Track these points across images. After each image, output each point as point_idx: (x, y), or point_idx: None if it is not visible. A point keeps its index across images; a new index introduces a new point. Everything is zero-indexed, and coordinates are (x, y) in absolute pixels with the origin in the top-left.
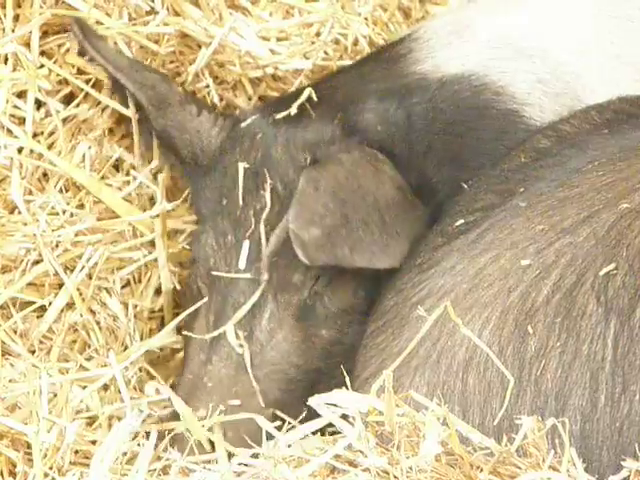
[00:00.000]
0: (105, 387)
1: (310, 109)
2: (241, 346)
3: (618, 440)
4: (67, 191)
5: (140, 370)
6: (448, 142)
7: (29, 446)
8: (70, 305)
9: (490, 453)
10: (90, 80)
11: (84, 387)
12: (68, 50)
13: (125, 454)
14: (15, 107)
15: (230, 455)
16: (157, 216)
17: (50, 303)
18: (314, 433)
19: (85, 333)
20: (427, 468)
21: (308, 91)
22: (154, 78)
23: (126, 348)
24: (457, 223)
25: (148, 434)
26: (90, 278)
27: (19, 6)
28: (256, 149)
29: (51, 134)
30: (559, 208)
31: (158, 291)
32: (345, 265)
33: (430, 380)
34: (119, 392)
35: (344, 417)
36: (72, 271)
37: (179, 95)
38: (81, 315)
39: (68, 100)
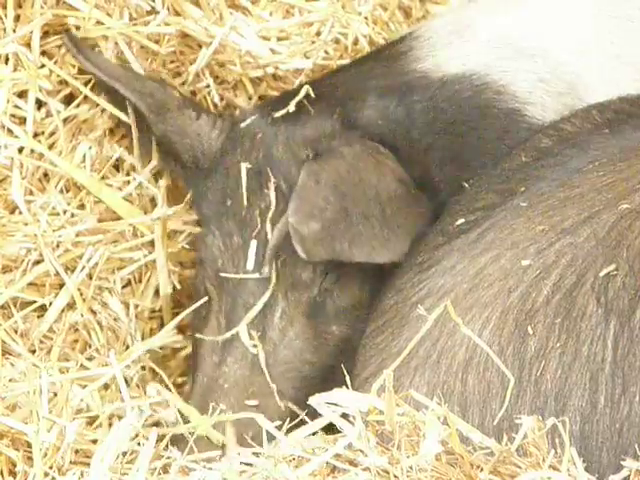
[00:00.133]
0: (106, 386)
1: (309, 106)
2: (255, 346)
3: (618, 441)
4: (68, 191)
5: (143, 369)
6: (449, 141)
7: (29, 445)
8: (71, 305)
9: (490, 452)
10: (90, 81)
11: (84, 386)
12: (69, 50)
13: (125, 453)
14: (16, 107)
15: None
16: (158, 219)
17: (51, 303)
18: (314, 433)
19: (86, 333)
20: (427, 467)
21: (306, 88)
22: (151, 85)
23: (127, 348)
24: (458, 222)
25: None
26: (91, 278)
27: (20, 6)
28: (257, 149)
29: (52, 134)
30: (560, 208)
31: (159, 291)
32: (344, 259)
33: (430, 380)
34: (120, 391)
35: (344, 416)
36: (73, 271)
37: (177, 100)
38: (82, 315)
39: (69, 100)
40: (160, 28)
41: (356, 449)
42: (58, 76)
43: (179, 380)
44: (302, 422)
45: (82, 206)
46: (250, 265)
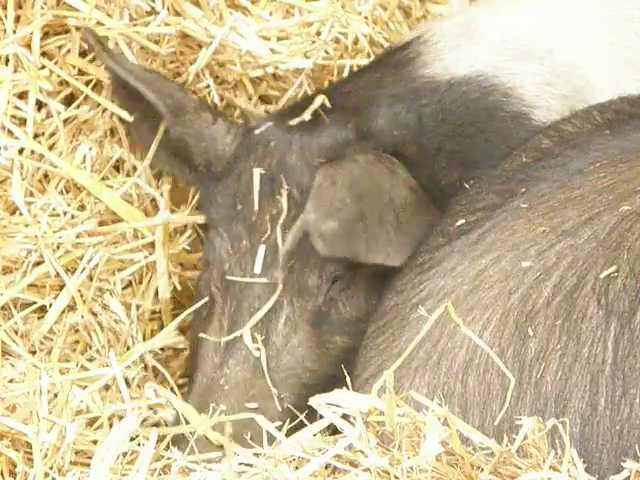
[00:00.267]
0: (107, 387)
1: (324, 115)
2: (258, 349)
3: (618, 443)
4: (68, 192)
5: (144, 369)
6: (458, 144)
7: (29, 446)
8: (71, 306)
9: (491, 453)
10: (91, 81)
11: (85, 387)
12: (69, 51)
13: (125, 454)
14: (16, 108)
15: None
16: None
17: (51, 304)
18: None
19: (86, 334)
20: (428, 468)
21: (321, 98)
22: (170, 86)
23: (128, 349)
24: (458, 223)
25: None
26: (91, 279)
27: (20, 7)
28: (271, 156)
29: (52, 135)
30: (560, 210)
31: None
32: (359, 260)
33: (430, 381)
34: (120, 392)
35: (345, 417)
36: (73, 272)
37: (194, 103)
38: (82, 316)
39: (69, 101)
40: (160, 28)
41: (356, 450)
42: (58, 77)
43: (180, 381)
44: (300, 428)
45: (82, 207)
46: (258, 269)
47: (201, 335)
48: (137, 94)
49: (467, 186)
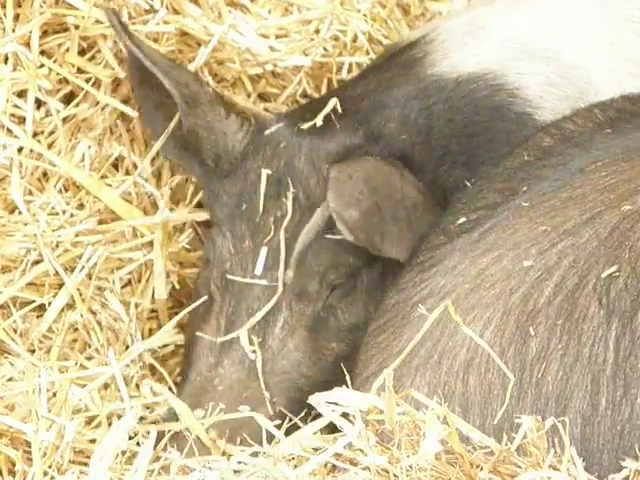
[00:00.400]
0: (105, 386)
1: (335, 120)
2: (254, 352)
3: (619, 443)
4: (67, 191)
5: (142, 368)
6: (463, 144)
7: (28, 445)
8: (70, 305)
9: (490, 452)
10: (90, 79)
11: (84, 386)
12: (68, 49)
13: (124, 453)
14: (15, 106)
15: (230, 454)
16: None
17: (50, 303)
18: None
19: (85, 333)
20: (427, 467)
21: (333, 102)
22: (187, 76)
23: (127, 348)
24: (459, 221)
25: (148, 433)
26: (90, 278)
27: (19, 5)
28: (279, 157)
29: (51, 133)
30: (562, 209)
31: None
32: (375, 251)
33: (431, 380)
34: (119, 391)
35: (344, 416)
36: (72, 271)
37: (209, 95)
38: (81, 315)
39: (68, 99)
40: (159, 27)
41: (356, 448)
42: (57, 75)
43: (179, 379)
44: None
45: (81, 206)
46: (259, 271)
47: (198, 334)
48: (152, 80)
49: (468, 184)
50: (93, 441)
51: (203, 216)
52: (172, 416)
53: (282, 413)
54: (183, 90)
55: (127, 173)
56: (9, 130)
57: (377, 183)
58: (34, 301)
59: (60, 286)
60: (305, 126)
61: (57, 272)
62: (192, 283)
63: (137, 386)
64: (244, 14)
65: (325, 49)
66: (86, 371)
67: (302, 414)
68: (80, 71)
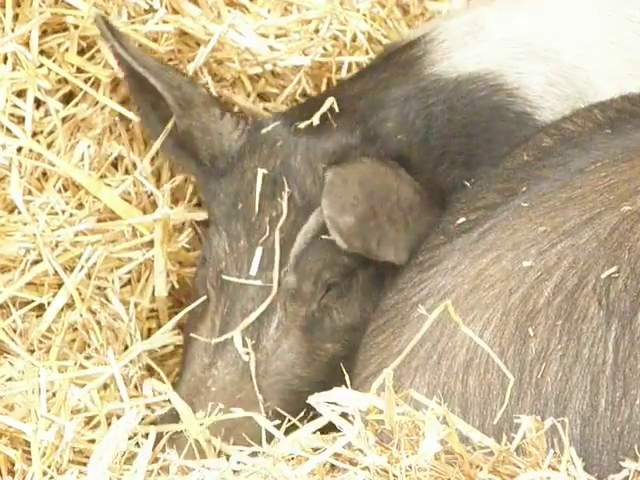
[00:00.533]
0: (105, 386)
1: (332, 119)
2: (248, 354)
3: (618, 444)
4: (66, 190)
5: (140, 368)
6: (462, 144)
7: (28, 444)
8: (70, 305)
9: (490, 452)
10: (89, 79)
11: (83, 386)
12: (67, 49)
13: (124, 453)
14: (14, 106)
15: (229, 455)
16: (158, 220)
17: (49, 303)
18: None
19: (85, 332)
20: (426, 467)
21: (330, 101)
22: (180, 78)
23: (126, 347)
24: (459, 221)
25: (147, 434)
26: (89, 278)
27: (18, 5)
28: (275, 156)
29: (50, 133)
30: (561, 209)
31: None
32: (371, 256)
33: (430, 381)
34: (119, 391)
35: (344, 416)
36: (71, 271)
37: (203, 97)
38: (81, 315)
39: (67, 99)
40: (158, 26)
41: (355, 448)
42: (57, 75)
43: (177, 379)
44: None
45: (81, 205)
46: (253, 271)
47: (192, 335)
48: (146, 83)
49: (468, 184)
50: (92, 441)
51: (202, 215)
52: (168, 416)
53: (276, 414)
54: (176, 92)
55: (126, 173)
56: (8, 130)
57: (373, 186)
58: (33, 301)
59: (59, 286)
60: (302, 125)
61: (56, 272)
62: (191, 282)
63: (136, 386)
64: (243, 14)
65: (324, 49)
66: (85, 371)
67: (298, 415)
68: (79, 71)
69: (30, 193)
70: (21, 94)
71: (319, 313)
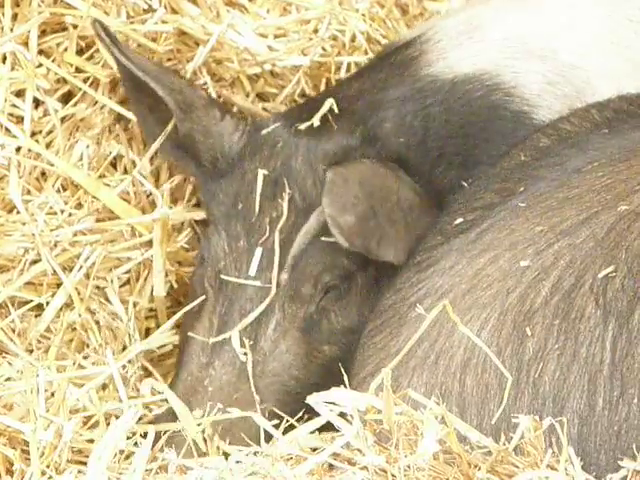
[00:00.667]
0: (103, 386)
1: (332, 120)
2: (245, 354)
3: (616, 444)
4: (65, 190)
5: (139, 369)
6: (459, 145)
7: (26, 444)
8: (68, 304)
9: (488, 452)
10: (88, 79)
11: (82, 386)
12: (66, 49)
13: (122, 452)
14: (13, 106)
15: (227, 454)
16: (158, 219)
17: (48, 302)
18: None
19: (83, 332)
20: (425, 466)
21: (330, 102)
22: (180, 82)
23: (125, 347)
24: (456, 222)
25: (145, 434)
26: (88, 278)
27: (17, 5)
28: (276, 158)
29: (49, 133)
30: (558, 209)
31: None
32: (371, 256)
33: (428, 381)
34: (117, 391)
35: (342, 415)
36: (70, 271)
37: (204, 99)
38: (79, 315)
39: (66, 99)
40: (157, 26)
41: (354, 448)
42: (55, 74)
43: None
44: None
45: (79, 205)
46: (253, 271)
47: (190, 334)
48: (145, 86)
49: (465, 184)
50: (91, 441)
51: (201, 214)
52: (164, 415)
53: (272, 415)
54: (177, 96)
55: (125, 172)
56: (7, 130)
57: (373, 186)
58: (32, 301)
59: (58, 286)
60: (302, 126)
61: (55, 272)
62: (189, 281)
63: (135, 386)
64: (242, 14)
65: (324, 49)
66: (84, 371)
67: (293, 416)
68: (78, 71)
69: (29, 193)
70: (20, 94)
71: (317, 315)
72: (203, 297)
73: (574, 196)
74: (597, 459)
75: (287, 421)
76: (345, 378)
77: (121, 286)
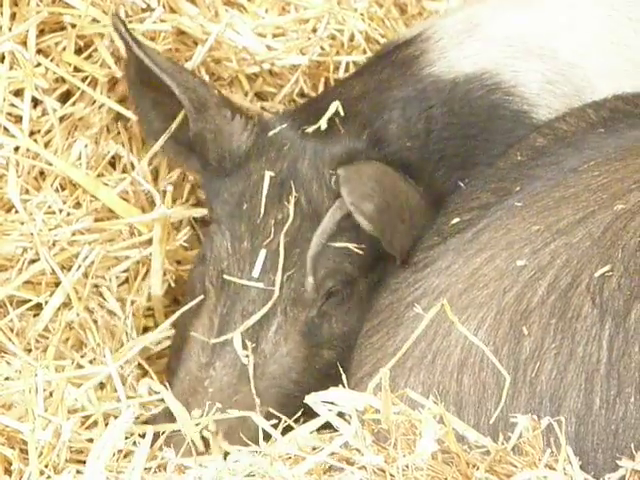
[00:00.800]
0: (101, 385)
1: (338, 123)
2: (247, 356)
3: (614, 443)
4: (64, 189)
5: (136, 367)
6: (460, 146)
7: (25, 444)
8: (66, 304)
9: (486, 451)
10: (87, 78)
11: (80, 385)
12: (65, 48)
13: (121, 451)
14: (12, 105)
15: (226, 453)
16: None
17: (46, 302)
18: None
19: (82, 332)
20: (423, 466)
21: (336, 104)
22: (193, 80)
23: (123, 346)
24: (453, 221)
25: (144, 434)
26: (87, 277)
27: (16, 4)
28: (282, 160)
29: (48, 132)
30: (555, 208)
31: None
32: (386, 244)
33: (425, 380)
34: (115, 390)
35: (341, 415)
36: (69, 270)
37: (216, 98)
38: (77, 314)
39: (65, 98)
40: (156, 25)
41: (352, 448)
42: (54, 74)
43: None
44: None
45: (78, 204)
46: (256, 273)
47: (193, 334)
48: (152, 81)
49: (462, 184)
50: (90, 440)
51: (201, 212)
52: (162, 415)
53: (270, 417)
54: (191, 95)
55: (124, 172)
56: (6, 129)
57: (385, 184)
58: (31, 300)
59: (57, 285)
60: (309, 130)
61: (54, 271)
62: (188, 277)
63: (132, 385)
64: (241, 13)
65: (322, 48)
66: (82, 370)
67: (289, 419)
68: (77, 70)
69: (27, 192)
70: (18, 93)
71: (318, 319)
72: (201, 297)
73: (570, 195)
74: (595, 458)
75: (285, 422)
76: (344, 377)
77: (120, 285)
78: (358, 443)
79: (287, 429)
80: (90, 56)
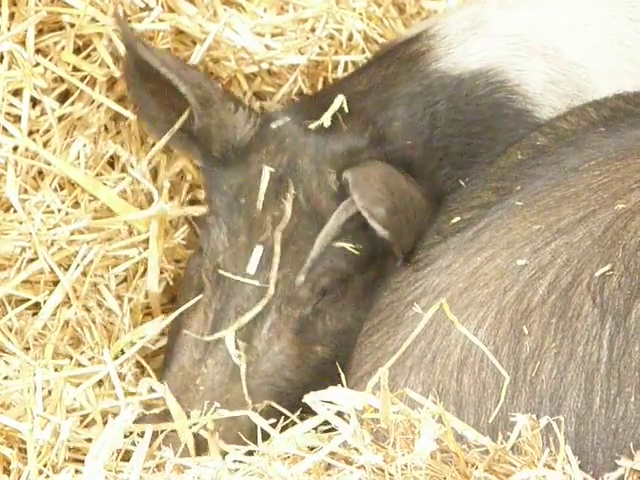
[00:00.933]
0: (100, 383)
1: (341, 120)
2: (239, 356)
3: (613, 442)
4: (62, 189)
5: (134, 365)
6: (464, 144)
7: (23, 443)
8: (65, 303)
9: (485, 451)
10: (85, 78)
11: (78, 384)
12: (63, 48)
13: (120, 450)
14: (11, 105)
15: (224, 453)
16: (154, 215)
17: (45, 301)
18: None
19: (80, 330)
20: (422, 465)
21: (340, 99)
22: (197, 75)
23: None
24: (453, 220)
25: (143, 433)
26: (85, 276)
27: (14, 4)
28: (282, 154)
29: (46, 132)
30: (555, 208)
31: None
32: (396, 247)
33: (425, 380)
34: (113, 388)
35: (339, 414)
36: (67, 269)
37: (220, 92)
38: (76, 313)
39: (63, 98)
40: (154, 25)
41: (351, 447)
42: (53, 74)
43: None
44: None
45: (77, 204)
46: (251, 269)
47: (185, 332)
48: (154, 76)
49: (462, 183)
50: (88, 440)
51: (199, 210)
52: (153, 415)
53: (263, 415)
54: (197, 91)
55: (122, 171)
56: (4, 129)
57: (391, 186)
58: (29, 299)
59: (55, 284)
60: (312, 126)
61: (52, 270)
62: (185, 268)
63: (130, 382)
64: (239, 12)
65: (321, 48)
66: (81, 369)
67: (282, 416)
68: (75, 70)
69: (26, 192)
70: (17, 93)
71: (312, 317)
72: (201, 296)
73: (571, 195)
74: (594, 458)
75: (282, 420)
76: (342, 377)
77: (118, 284)
78: (357, 442)
79: (283, 427)
80: (89, 56)
